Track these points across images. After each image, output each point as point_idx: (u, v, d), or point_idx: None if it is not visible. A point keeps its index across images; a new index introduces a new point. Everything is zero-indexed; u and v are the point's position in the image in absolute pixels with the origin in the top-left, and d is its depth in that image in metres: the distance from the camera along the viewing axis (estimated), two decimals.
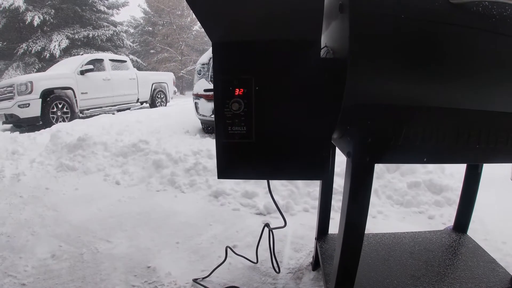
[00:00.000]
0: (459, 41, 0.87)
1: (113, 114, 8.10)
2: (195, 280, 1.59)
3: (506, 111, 0.98)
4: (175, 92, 13.29)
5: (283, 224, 1.41)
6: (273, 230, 1.59)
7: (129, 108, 9.88)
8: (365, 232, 1.64)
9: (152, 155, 3.33)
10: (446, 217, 2.37)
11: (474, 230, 2.16)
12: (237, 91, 0.95)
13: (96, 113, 8.46)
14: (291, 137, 0.97)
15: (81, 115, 8.26)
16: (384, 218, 2.35)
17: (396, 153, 0.92)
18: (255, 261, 1.71)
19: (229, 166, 1.02)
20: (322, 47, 1.03)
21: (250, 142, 0.97)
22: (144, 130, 5.03)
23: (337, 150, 1.28)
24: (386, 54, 0.85)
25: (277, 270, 1.63)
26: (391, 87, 0.87)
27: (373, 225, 2.19)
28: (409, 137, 0.91)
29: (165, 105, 11.23)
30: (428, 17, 0.84)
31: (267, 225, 1.58)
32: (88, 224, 2.22)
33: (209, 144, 3.74)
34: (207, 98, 4.64)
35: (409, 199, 2.52)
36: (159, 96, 11.20)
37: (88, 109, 8.63)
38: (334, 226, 1.67)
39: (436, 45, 0.86)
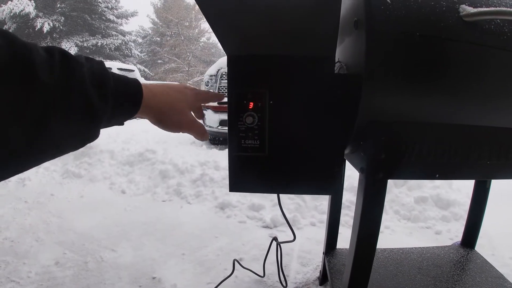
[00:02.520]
0: (472, 58, 0.88)
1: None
2: None
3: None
4: None
5: (291, 238, 1.40)
6: (281, 244, 1.59)
7: (136, 118, 9.93)
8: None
9: (158, 165, 3.34)
10: (454, 233, 2.35)
11: (482, 246, 2.14)
12: (251, 105, 0.95)
13: None
14: (304, 151, 0.97)
15: None
16: (391, 233, 2.33)
17: (409, 169, 0.92)
18: (262, 274, 1.70)
19: (241, 179, 1.02)
20: (336, 62, 1.04)
21: (263, 155, 0.98)
22: (150, 140, 5.06)
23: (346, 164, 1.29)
24: (401, 71, 0.85)
25: (284, 284, 1.62)
26: (406, 104, 0.87)
27: (380, 240, 2.16)
28: (422, 153, 0.91)
29: None
30: (442, 34, 0.85)
31: (275, 238, 1.57)
32: (93, 232, 2.22)
33: (216, 155, 3.74)
34: (215, 109, 4.66)
35: (416, 214, 2.51)
36: None
37: None
38: (342, 241, 1.67)
39: (449, 62, 0.87)
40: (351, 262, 0.99)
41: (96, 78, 0.54)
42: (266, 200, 2.61)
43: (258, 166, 1.00)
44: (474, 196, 1.69)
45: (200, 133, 0.81)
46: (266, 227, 2.32)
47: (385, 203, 2.64)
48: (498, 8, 0.82)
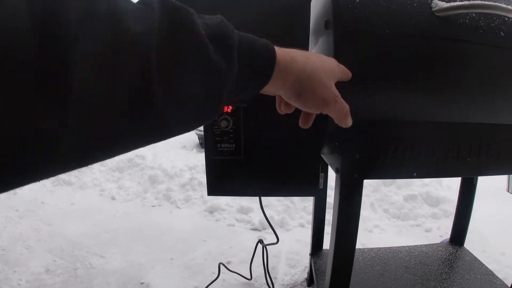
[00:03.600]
0: (446, 54, 0.87)
1: None
2: None
3: (496, 123, 0.98)
4: None
5: (276, 240, 1.40)
6: (268, 246, 1.58)
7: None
8: (361, 247, 1.63)
9: (148, 170, 3.33)
10: (444, 230, 2.35)
11: (473, 242, 2.14)
12: (225, 108, 0.94)
13: None
14: (280, 154, 0.97)
15: None
16: (381, 232, 2.33)
17: (385, 168, 0.91)
18: (249, 277, 1.69)
19: (219, 183, 1.02)
20: None
21: (239, 159, 0.97)
22: None
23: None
24: (372, 71, 0.85)
25: (271, 286, 1.61)
26: (379, 103, 0.87)
27: (369, 239, 2.17)
28: (397, 152, 0.90)
29: None
30: (413, 31, 0.84)
31: (260, 241, 1.56)
32: (83, 239, 2.20)
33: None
34: None
35: (406, 212, 2.51)
36: None
37: None
38: (329, 242, 1.66)
39: (422, 59, 0.86)
40: (331, 263, 0.99)
41: (214, 31, 0.41)
42: (255, 203, 2.60)
43: (235, 169, 0.99)
44: (461, 193, 1.69)
45: (344, 112, 0.61)
46: (255, 229, 2.32)
47: (374, 202, 2.65)
48: (471, 2, 0.80)
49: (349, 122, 0.64)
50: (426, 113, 0.92)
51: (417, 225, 2.41)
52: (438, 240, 2.09)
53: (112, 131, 0.35)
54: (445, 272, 1.52)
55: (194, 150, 4.86)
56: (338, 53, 0.82)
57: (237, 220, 2.45)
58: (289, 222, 2.35)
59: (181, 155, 4.25)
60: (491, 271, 1.55)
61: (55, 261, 1.92)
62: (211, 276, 1.71)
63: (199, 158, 3.86)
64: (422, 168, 0.96)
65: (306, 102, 0.56)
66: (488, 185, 2.13)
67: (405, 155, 0.91)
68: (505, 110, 0.99)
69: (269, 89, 0.52)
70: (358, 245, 1.91)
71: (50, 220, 2.52)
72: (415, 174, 0.93)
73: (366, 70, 0.85)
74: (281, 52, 0.50)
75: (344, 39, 0.81)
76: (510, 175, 1.58)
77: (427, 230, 2.36)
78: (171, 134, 0.43)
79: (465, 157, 0.99)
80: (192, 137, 5.56)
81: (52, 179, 3.34)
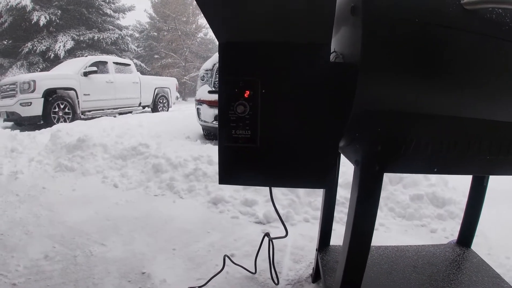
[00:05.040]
0: (472, 48, 0.85)
1: (115, 117, 8.08)
2: None
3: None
4: (177, 98, 13.28)
5: (284, 234, 1.37)
6: (273, 240, 1.55)
7: (131, 112, 9.86)
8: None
9: (151, 159, 3.30)
10: (449, 231, 2.32)
11: (477, 244, 2.11)
12: (243, 94, 0.91)
13: (97, 115, 8.44)
14: (297, 143, 0.93)
15: (82, 116, 8.24)
16: (386, 230, 2.30)
17: (406, 162, 0.89)
18: (254, 271, 1.66)
19: (231, 171, 0.99)
20: (331, 52, 1.00)
21: (254, 146, 0.94)
22: (145, 134, 5.00)
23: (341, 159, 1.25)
24: (398, 59, 0.82)
25: (276, 281, 1.58)
26: (403, 94, 0.84)
27: (374, 237, 2.12)
28: (419, 146, 0.88)
29: (167, 110, 11.23)
30: (441, 21, 0.81)
31: (267, 234, 1.53)
32: (84, 226, 2.17)
33: (210, 150, 3.70)
34: (210, 104, 4.63)
35: (412, 212, 2.48)
36: (161, 101, 11.19)
37: (89, 111, 8.62)
38: (335, 238, 1.64)
39: (448, 51, 0.83)
40: (344, 258, 0.96)
41: None
42: (259, 196, 2.58)
43: (249, 157, 0.96)
44: (471, 193, 1.67)
45: None
46: (259, 222, 2.29)
47: (380, 200, 2.62)
48: None
49: None
50: (448, 107, 0.89)
51: (422, 226, 2.38)
52: (443, 241, 2.06)
53: None
54: (453, 273, 1.49)
55: (198, 141, 4.83)
56: (365, 40, 0.78)
57: (241, 212, 2.42)
58: (294, 216, 2.32)
59: (185, 145, 4.22)
60: (498, 274, 1.52)
61: (54, 247, 1.89)
62: (214, 268, 1.69)
63: (204, 149, 3.83)
64: (441, 163, 0.94)
65: None
66: (495, 188, 2.10)
67: (427, 149, 0.88)
68: None
69: None
70: None
71: (51, 206, 2.50)
72: (435, 170, 0.91)
73: (391, 59, 0.82)
74: None
75: (373, 26, 0.78)
76: None
77: (432, 231, 2.33)
78: None
79: (485, 154, 0.96)
80: (196, 128, 5.53)
81: (53, 164, 3.35)
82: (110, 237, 2.04)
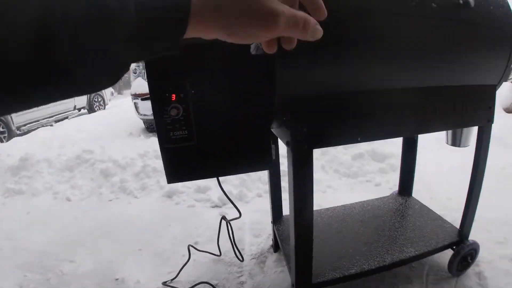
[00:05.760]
0: (380, 25, 0.94)
1: (52, 125, 7.68)
2: (164, 283, 1.61)
3: (430, 85, 1.10)
4: (112, 93, 12.78)
5: (238, 215, 1.46)
6: (231, 222, 1.64)
7: (67, 117, 9.40)
8: (317, 209, 1.73)
9: (98, 164, 3.24)
10: (392, 182, 2.53)
11: (420, 191, 2.33)
12: (174, 97, 0.96)
13: (34, 128, 7.96)
14: (232, 133, 1.00)
15: (18, 132, 7.72)
16: (334, 191, 2.47)
17: (332, 137, 0.99)
18: (219, 253, 1.75)
19: (177, 170, 1.04)
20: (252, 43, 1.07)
21: (193, 144, 1.00)
22: (86, 139, 4.85)
23: None
24: (311, 46, 0.90)
25: (241, 258, 1.69)
26: (319, 77, 0.93)
27: (324, 199, 2.30)
28: (343, 122, 0.98)
29: (104, 108, 10.79)
30: (354, 8, 0.90)
31: (223, 217, 1.62)
32: (48, 247, 2.12)
33: (155, 144, 3.68)
34: (144, 98, 4.58)
35: (355, 170, 2.67)
36: (96, 99, 10.70)
37: (25, 125, 8.09)
38: (288, 208, 1.76)
39: (355, 32, 0.92)
40: (293, 228, 1.06)
41: None
42: (211, 181, 2.64)
43: (191, 154, 1.02)
44: (403, 148, 1.83)
45: (301, 23, 0.45)
46: (215, 206, 2.38)
47: (325, 164, 2.80)
48: None
49: (317, 32, 0.48)
50: (363, 83, 0.99)
51: (367, 181, 2.58)
52: (388, 192, 2.25)
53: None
54: (398, 221, 1.66)
55: (142, 136, 4.78)
56: None
57: (196, 200, 2.49)
58: (247, 194, 2.43)
59: (129, 143, 4.14)
60: (440, 216, 1.71)
61: (26, 276, 1.85)
62: (182, 259, 1.76)
63: (148, 144, 3.80)
64: (365, 132, 1.05)
65: (243, 36, 0.45)
66: (429, 138, 2.32)
67: (348, 123, 0.99)
68: (438, 73, 1.10)
69: (194, 34, 0.43)
70: (315, 207, 2.04)
71: (9, 235, 2.38)
72: (359, 139, 1.02)
73: (305, 44, 0.90)
74: None
75: None
76: None
77: (377, 185, 2.53)
78: (79, 91, 0.38)
79: (405, 118, 1.10)
80: (137, 122, 5.43)
81: (1, 190, 3.15)
82: (76, 252, 2.03)
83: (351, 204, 1.82)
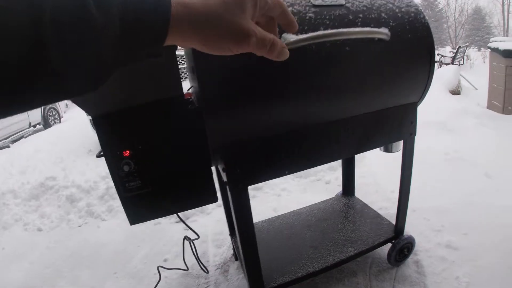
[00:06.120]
0: (298, 78, 1.11)
1: (8, 147, 7.48)
2: None
3: (355, 115, 1.30)
4: (66, 105, 12.42)
5: (204, 226, 1.63)
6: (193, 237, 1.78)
7: (23, 136, 9.14)
8: (269, 218, 1.92)
9: (63, 191, 3.31)
10: (340, 179, 2.77)
11: (368, 185, 2.58)
12: (124, 154, 1.12)
13: None
14: (180, 177, 1.18)
15: None
16: (288, 193, 2.68)
17: (262, 174, 1.19)
18: (186, 268, 1.92)
19: (136, 213, 1.20)
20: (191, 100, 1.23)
21: (148, 191, 1.16)
22: (46, 160, 4.80)
23: None
24: (233, 100, 1.07)
25: (206, 270, 1.87)
26: (244, 125, 1.10)
27: (279, 202, 2.51)
28: (270, 160, 1.18)
29: (60, 122, 10.51)
30: (262, 66, 1.05)
31: (186, 238, 1.78)
32: (27, 281, 2.19)
33: None
34: None
35: (307, 170, 2.88)
36: (51, 113, 10.38)
37: None
38: None
39: (270, 78, 1.08)
40: (240, 246, 1.26)
41: None
42: None
43: (147, 199, 1.18)
44: None
45: (268, 45, 0.52)
46: (179, 222, 2.52)
47: None
48: (315, 34, 0.98)
49: (284, 54, 0.56)
50: (283, 125, 1.17)
51: (317, 180, 2.80)
52: (337, 189, 2.48)
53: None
54: (341, 223, 1.85)
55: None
56: (203, 90, 1.04)
57: None
58: (208, 206, 2.59)
59: (89, 163, 4.16)
60: (378, 213, 1.91)
61: None
62: (155, 277, 1.90)
63: None
64: (293, 165, 1.25)
65: (217, 48, 0.51)
66: None
67: (278, 159, 1.19)
68: (363, 104, 1.30)
69: (173, 43, 0.48)
70: (270, 211, 2.26)
71: None
72: (286, 172, 1.22)
73: (227, 99, 1.07)
74: (177, 4, 0.46)
75: (205, 83, 1.03)
76: None
77: (327, 182, 2.76)
78: (66, 94, 0.42)
79: (328, 148, 1.29)
80: (94, 137, 5.41)
81: None
82: (56, 283, 2.12)
83: (299, 209, 2.03)
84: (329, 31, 0.98)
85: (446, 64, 11.89)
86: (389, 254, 1.75)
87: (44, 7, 0.34)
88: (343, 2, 1.21)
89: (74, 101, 1.02)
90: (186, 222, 2.45)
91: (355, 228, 1.80)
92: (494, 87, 5.12)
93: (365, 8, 1.23)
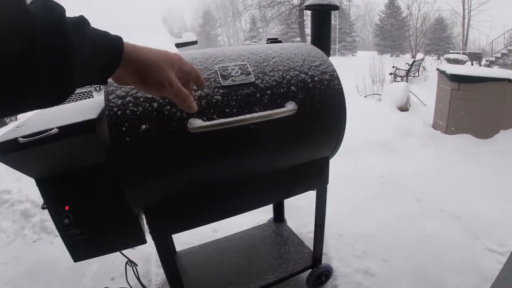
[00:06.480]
0: (198, 158, 1.26)
1: None
2: None
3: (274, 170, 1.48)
4: None
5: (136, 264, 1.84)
6: (138, 252, 1.94)
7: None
8: (203, 243, 2.11)
9: (17, 205, 3.36)
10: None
11: (301, 207, 2.79)
12: (65, 208, 1.33)
13: None
14: (112, 226, 1.39)
15: None
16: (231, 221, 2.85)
17: (183, 225, 1.42)
18: None
19: (77, 253, 1.41)
20: None
21: (84, 237, 1.38)
22: (3, 173, 4.78)
23: None
24: (146, 171, 1.22)
25: None
26: (160, 186, 1.28)
27: (219, 223, 2.65)
28: (190, 212, 1.39)
29: (16, 119, 10.13)
30: (170, 146, 1.21)
31: (127, 263, 1.97)
32: None
33: None
34: None
35: None
36: None
37: None
38: (179, 244, 2.15)
39: (181, 157, 1.24)
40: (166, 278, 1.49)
41: (73, 20, 0.53)
42: None
43: (85, 243, 1.40)
44: None
45: (182, 96, 0.72)
46: None
47: None
48: (220, 121, 1.15)
49: (192, 107, 0.75)
50: (189, 185, 1.34)
51: None
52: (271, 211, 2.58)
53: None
54: (267, 250, 2.02)
55: None
56: (117, 160, 1.18)
57: None
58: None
59: None
60: (302, 241, 2.08)
61: None
62: None
63: None
64: (212, 217, 1.47)
65: (147, 86, 0.69)
66: None
67: (196, 215, 1.41)
68: (279, 162, 1.46)
69: (119, 74, 0.65)
70: (210, 231, 2.44)
71: None
72: (201, 223, 1.43)
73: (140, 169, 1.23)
74: (128, 44, 0.64)
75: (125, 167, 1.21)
76: None
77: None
78: (36, 105, 0.52)
79: (236, 203, 1.49)
80: None
81: None
82: None
83: (231, 235, 2.21)
84: (228, 119, 1.15)
85: (401, 77, 12.39)
86: (307, 279, 1.93)
87: (33, 32, 0.44)
88: (253, 80, 1.30)
89: (14, 167, 1.20)
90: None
91: (279, 255, 1.96)
92: (439, 107, 5.41)
93: (274, 83, 1.32)
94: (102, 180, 1.30)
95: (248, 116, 1.17)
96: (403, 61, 14.40)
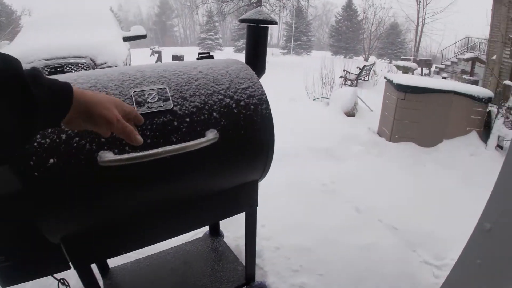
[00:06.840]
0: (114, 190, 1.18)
1: None
2: None
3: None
4: None
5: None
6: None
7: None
8: (137, 258, 2.07)
9: None
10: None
11: (242, 218, 2.62)
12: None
13: None
14: (32, 253, 1.33)
15: None
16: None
17: (104, 253, 1.40)
18: None
19: (8, 278, 1.35)
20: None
21: (9, 264, 1.31)
22: None
23: None
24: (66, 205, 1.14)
25: None
26: (77, 217, 1.19)
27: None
28: (111, 241, 1.34)
29: None
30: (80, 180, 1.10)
31: (60, 281, 1.93)
32: None
33: None
34: None
35: None
36: None
37: None
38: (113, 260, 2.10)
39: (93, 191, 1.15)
40: None
41: (29, 71, 0.59)
42: None
43: (11, 270, 1.32)
44: None
45: (127, 131, 0.82)
46: None
47: None
48: (131, 155, 1.04)
49: (138, 140, 0.84)
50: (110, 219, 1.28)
51: None
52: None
53: None
54: (201, 267, 1.94)
55: None
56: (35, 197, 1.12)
57: None
58: None
59: None
60: (237, 258, 2.03)
61: None
62: None
63: None
64: (128, 246, 1.42)
65: (96, 124, 0.77)
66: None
67: (118, 244, 1.37)
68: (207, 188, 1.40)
69: (69, 117, 0.71)
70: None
71: None
72: (123, 252, 1.40)
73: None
74: (75, 89, 0.71)
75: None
76: None
77: None
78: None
79: (172, 224, 1.43)
80: None
81: None
82: None
83: (165, 250, 2.13)
84: (140, 153, 1.04)
85: (351, 81, 12.67)
86: None
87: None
88: (171, 106, 1.20)
89: None
90: None
91: (212, 273, 1.92)
92: (385, 115, 5.49)
93: (195, 109, 1.24)
94: (16, 212, 1.21)
95: (161, 150, 1.06)
96: (355, 63, 14.60)
